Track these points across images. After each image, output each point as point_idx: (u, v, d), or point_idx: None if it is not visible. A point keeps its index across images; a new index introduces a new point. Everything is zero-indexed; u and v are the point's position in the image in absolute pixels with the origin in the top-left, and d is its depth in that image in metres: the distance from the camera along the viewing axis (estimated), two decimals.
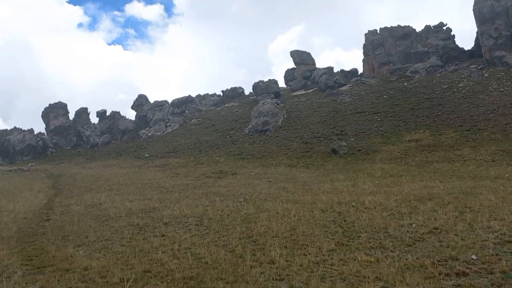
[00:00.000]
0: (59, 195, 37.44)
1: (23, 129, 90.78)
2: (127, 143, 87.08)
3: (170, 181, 40.54)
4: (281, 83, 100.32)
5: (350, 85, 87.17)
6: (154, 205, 26.34)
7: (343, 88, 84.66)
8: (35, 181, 49.41)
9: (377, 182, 32.37)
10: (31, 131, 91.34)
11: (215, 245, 14.89)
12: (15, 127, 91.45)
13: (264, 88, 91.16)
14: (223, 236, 16.44)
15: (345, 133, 58.88)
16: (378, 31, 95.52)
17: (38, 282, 10.92)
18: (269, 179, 37.73)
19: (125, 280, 10.48)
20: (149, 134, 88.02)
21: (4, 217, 25.43)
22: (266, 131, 68.28)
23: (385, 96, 72.79)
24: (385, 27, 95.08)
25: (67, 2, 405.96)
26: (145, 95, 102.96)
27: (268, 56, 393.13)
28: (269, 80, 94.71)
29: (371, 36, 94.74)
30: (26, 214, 26.57)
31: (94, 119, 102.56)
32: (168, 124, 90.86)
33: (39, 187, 43.41)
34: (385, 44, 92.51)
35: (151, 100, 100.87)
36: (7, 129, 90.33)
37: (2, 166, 72.39)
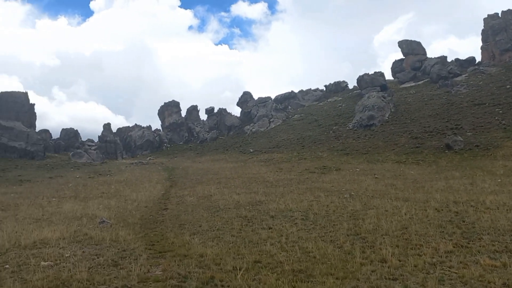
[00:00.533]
0: (174, 186, 40.45)
1: (142, 126, 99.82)
2: (233, 138, 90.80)
3: (274, 176, 41.27)
4: (388, 76, 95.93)
5: (466, 75, 79.97)
6: (260, 199, 27.05)
7: (458, 79, 78.02)
8: (153, 173, 54.03)
9: (499, 180, 29.28)
10: (149, 127, 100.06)
11: (322, 240, 14.79)
12: (135, 124, 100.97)
13: (369, 81, 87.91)
14: (329, 232, 16.27)
15: (461, 127, 54.21)
16: (499, 15, 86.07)
17: (160, 265, 11.90)
18: (376, 176, 36.37)
19: (238, 268, 10.93)
20: (253, 129, 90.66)
21: (128, 205, 28.25)
22: (372, 125, 65.87)
23: (508, 86, 65.42)
24: (508, 10, 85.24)
25: (179, 6, 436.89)
26: (249, 92, 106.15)
27: (373, 48, 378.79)
28: (375, 72, 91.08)
29: (491, 20, 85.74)
30: (147, 203, 29.20)
31: (203, 116, 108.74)
32: (271, 120, 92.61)
33: (156, 179, 47.39)
34: (508, 29, 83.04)
35: (255, 97, 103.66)
36: (129, 126, 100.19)
37: (125, 159, 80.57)
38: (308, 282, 10.13)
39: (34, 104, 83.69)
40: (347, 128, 69.56)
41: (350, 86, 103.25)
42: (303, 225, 17.93)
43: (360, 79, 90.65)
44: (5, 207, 29.66)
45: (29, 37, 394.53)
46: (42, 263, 11.53)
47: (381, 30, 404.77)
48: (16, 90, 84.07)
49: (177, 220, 21.49)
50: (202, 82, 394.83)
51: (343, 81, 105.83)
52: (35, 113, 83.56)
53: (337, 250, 13.25)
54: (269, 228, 17.51)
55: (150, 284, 9.86)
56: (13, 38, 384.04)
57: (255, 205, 24.51)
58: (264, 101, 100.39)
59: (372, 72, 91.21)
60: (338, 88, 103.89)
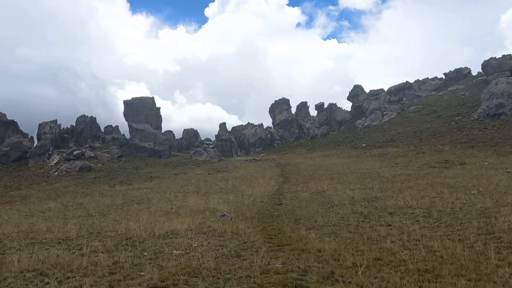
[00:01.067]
0: (287, 182, 41.13)
1: (254, 124, 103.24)
2: (344, 133, 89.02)
3: (389, 171, 39.49)
4: None
5: None
6: (376, 195, 26.15)
7: None
8: (266, 170, 55.59)
9: None
10: (261, 125, 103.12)
11: (449, 239, 13.76)
12: (248, 122, 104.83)
13: (497, 66, 78.97)
14: (457, 230, 15.06)
15: None
16: None
17: (279, 258, 12.24)
18: (508, 170, 32.63)
19: (358, 265, 10.73)
20: (365, 124, 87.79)
21: (245, 200, 29.51)
22: (501, 115, 59.15)
23: None
24: None
25: (287, 5, 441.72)
26: (360, 85, 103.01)
27: (499, 29, 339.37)
28: (503, 56, 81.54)
29: None
30: (262, 198, 30.19)
31: (312, 112, 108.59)
32: (384, 113, 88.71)
33: (270, 175, 48.68)
34: None
35: (366, 90, 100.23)
36: (242, 125, 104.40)
37: (240, 157, 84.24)
38: (436, 282, 9.52)
39: (159, 108, 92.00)
40: (472, 118, 63.51)
41: (474, 73, 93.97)
42: (426, 222, 16.88)
43: (486, 64, 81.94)
44: (139, 201, 33.19)
45: (153, 46, 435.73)
46: (174, 251, 12.67)
47: (508, 8, 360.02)
48: (145, 95, 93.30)
49: (292, 215, 21.83)
50: (311, 78, 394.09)
51: (465, 68, 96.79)
52: (160, 115, 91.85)
53: (467, 250, 12.21)
54: (388, 225, 16.84)
55: (271, 276, 10.19)
56: (140, 49, 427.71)
57: (371, 201, 23.76)
58: (376, 93, 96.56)
59: (500, 56, 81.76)
60: (459, 75, 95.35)
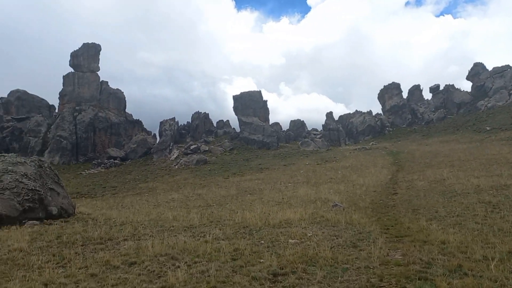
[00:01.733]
0: (401, 170, 39.16)
1: (362, 111, 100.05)
2: (464, 116, 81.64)
3: None
4: None
5: None
6: (505, 182, 23.61)
7: None
8: (377, 158, 53.56)
9: None
10: (369, 112, 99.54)
11: None
12: (356, 110, 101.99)
13: None
14: None
15: None
16: None
17: (399, 250, 11.73)
18: None
19: (489, 258, 9.81)
20: (489, 105, 79.42)
21: (357, 190, 28.84)
22: None
23: None
24: None
25: None
26: (481, 63, 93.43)
27: None
28: None
29: None
30: (375, 188, 29.21)
31: (426, 95, 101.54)
32: (511, 91, 79.25)
33: (381, 163, 46.82)
34: None
35: (489, 68, 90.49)
36: (350, 113, 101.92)
37: (348, 146, 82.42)
38: None
39: (266, 101, 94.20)
40: None
41: None
42: None
43: None
44: (252, 192, 34.46)
45: (258, 41, 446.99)
46: (290, 240, 12.92)
47: None
48: (252, 89, 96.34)
49: (409, 205, 20.75)
50: (423, 60, 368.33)
51: None
52: (268, 108, 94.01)
53: None
54: None
55: (391, 267, 9.83)
56: (246, 44, 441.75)
57: (500, 190, 21.51)
58: (501, 71, 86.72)
59: None
60: None
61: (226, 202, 28.52)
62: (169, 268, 9.87)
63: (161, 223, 17.70)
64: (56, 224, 19.09)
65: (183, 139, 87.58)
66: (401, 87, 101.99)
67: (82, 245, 13.01)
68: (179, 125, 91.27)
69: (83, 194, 46.87)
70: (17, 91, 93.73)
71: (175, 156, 76.29)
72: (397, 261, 10.41)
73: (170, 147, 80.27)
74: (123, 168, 72.09)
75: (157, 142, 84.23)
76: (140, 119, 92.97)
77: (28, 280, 9.12)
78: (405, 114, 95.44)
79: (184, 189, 43.35)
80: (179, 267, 9.85)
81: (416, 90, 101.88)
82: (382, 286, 8.52)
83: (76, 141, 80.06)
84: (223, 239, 13.25)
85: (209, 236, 13.57)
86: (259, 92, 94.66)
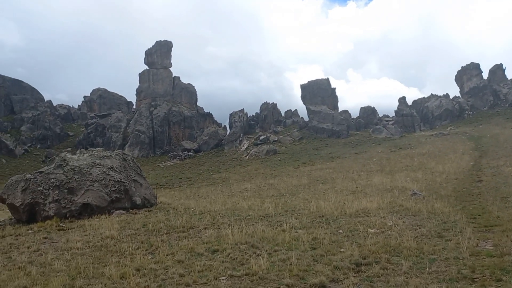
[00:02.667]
0: (484, 156, 36.60)
1: (438, 95, 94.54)
2: None
3: None
4: None
5: None
6: None
7: None
8: (457, 144, 50.46)
9: None
10: (446, 96, 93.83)
11: None
12: (431, 94, 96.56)
13: None
14: None
15: None
16: None
17: (489, 240, 10.99)
18: None
19: None
20: None
21: (437, 178, 27.41)
22: None
23: None
24: None
25: None
26: None
27: None
28: None
29: None
30: (456, 175, 27.58)
31: (509, 75, 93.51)
32: None
33: (462, 149, 44.05)
34: None
35: None
36: (424, 97, 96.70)
37: (424, 131, 78.45)
38: None
39: (335, 88, 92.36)
40: None
41: None
42: None
43: None
44: (324, 181, 34.12)
45: (324, 28, 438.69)
46: (369, 230, 12.62)
47: None
48: (319, 78, 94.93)
49: (497, 192, 19.35)
50: (505, 37, 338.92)
51: None
52: (336, 96, 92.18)
53: None
54: None
55: (483, 258, 9.24)
56: (311, 32, 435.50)
57: None
58: None
59: None
60: None
61: (298, 191, 28.52)
62: (251, 256, 10.09)
63: (237, 212, 18.13)
64: (141, 213, 20.31)
65: (253, 130, 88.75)
66: (481, 67, 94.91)
67: (166, 233, 13.72)
68: (248, 116, 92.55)
69: (161, 185, 49.35)
70: (99, 89, 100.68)
71: (245, 147, 77.61)
72: (489, 251, 9.76)
73: (240, 138, 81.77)
74: (196, 159, 74.77)
75: (227, 133, 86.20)
76: (210, 112, 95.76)
77: (121, 266, 9.80)
78: (486, 96, 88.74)
79: (256, 179, 43.99)
80: (260, 255, 10.03)
81: (498, 69, 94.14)
82: (475, 278, 8.03)
83: (153, 135, 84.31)
84: (300, 228, 13.27)
85: (286, 225, 13.66)
86: (327, 80, 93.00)
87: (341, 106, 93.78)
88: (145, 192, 24.22)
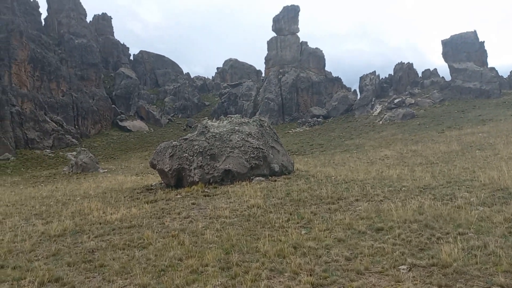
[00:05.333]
0: None
1: None
2: None
3: None
4: None
5: None
6: None
7: None
8: None
9: None
10: None
11: None
12: None
13: None
14: None
15: None
16: None
17: None
18: None
19: None
20: None
21: None
22: None
23: None
24: None
25: None
26: None
27: None
28: None
29: None
30: None
31: None
32: None
33: None
34: None
35: None
36: None
37: None
38: None
39: (483, 42, 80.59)
40: None
41: None
42: None
43: None
44: (480, 147, 29.61)
45: None
46: None
47: None
48: (464, 31, 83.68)
49: None
50: None
51: None
52: (485, 50, 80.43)
53: None
54: None
55: None
56: None
57: None
58: None
59: None
60: None
61: (451, 159, 24.99)
62: (430, 239, 8.24)
63: (387, 183, 16.13)
64: (280, 181, 19.61)
65: (385, 93, 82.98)
66: None
67: (314, 204, 12.52)
68: (380, 78, 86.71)
69: (293, 152, 48.99)
70: (230, 60, 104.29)
71: (378, 112, 73.01)
72: None
73: (372, 102, 77.12)
74: (326, 125, 72.92)
75: (358, 98, 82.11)
76: (339, 76, 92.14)
77: (274, 241, 8.86)
78: None
79: (395, 145, 40.58)
80: (442, 239, 8.12)
81: None
82: None
83: (282, 102, 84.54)
84: (479, 205, 10.83)
85: (460, 201, 11.29)
86: (474, 33, 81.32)
87: (492, 63, 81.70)
88: (283, 158, 23.53)
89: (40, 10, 76.16)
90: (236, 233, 9.70)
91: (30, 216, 15.12)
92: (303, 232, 9.48)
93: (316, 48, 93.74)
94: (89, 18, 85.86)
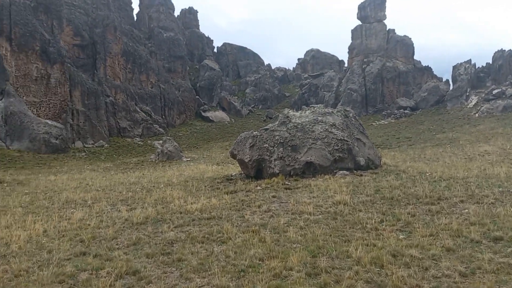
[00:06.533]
0: None
1: None
2: None
3: None
4: None
5: None
6: None
7: None
8: None
9: None
10: None
11: None
12: None
13: None
14: None
15: None
16: None
17: None
18: None
19: None
20: None
21: None
22: None
23: None
24: None
25: None
26: None
27: None
28: None
29: None
30: None
31: None
32: None
33: None
34: None
35: None
36: None
37: None
38: None
39: None
40: None
41: None
42: None
43: None
44: None
45: None
46: None
47: None
48: None
49: None
50: None
51: None
52: None
53: None
54: None
55: None
56: None
57: None
58: None
59: None
60: None
61: None
62: None
63: (494, 182, 14.05)
64: (367, 175, 18.21)
65: (482, 84, 75.63)
66: None
67: (410, 204, 11.08)
68: (476, 67, 79.28)
69: (377, 145, 46.38)
70: (311, 50, 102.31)
71: (473, 103, 66.82)
72: None
73: (467, 93, 70.75)
74: (414, 118, 68.42)
75: (450, 88, 75.89)
76: (429, 65, 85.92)
77: (368, 245, 7.75)
78: None
79: (495, 140, 36.52)
80: None
81: None
82: None
83: (365, 92, 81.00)
84: None
85: None
86: None
87: None
88: (369, 152, 21.95)
89: (133, 5, 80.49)
90: (322, 232, 8.73)
91: (117, 201, 15.46)
92: (401, 236, 8.24)
93: (405, 36, 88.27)
94: (176, 12, 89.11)
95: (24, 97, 47.73)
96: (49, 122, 46.80)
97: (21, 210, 14.29)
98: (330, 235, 8.53)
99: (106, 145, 53.49)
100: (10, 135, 44.25)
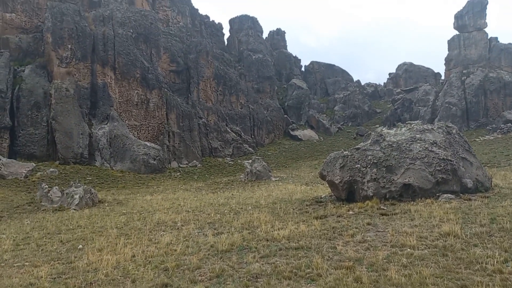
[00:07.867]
0: None
1: None
2: None
3: None
4: None
5: None
6: None
7: None
8: None
9: None
10: None
11: None
12: None
13: None
14: None
15: None
16: None
17: None
18: None
19: None
20: None
21: None
22: None
23: None
24: None
25: None
26: None
27: None
28: None
29: None
30: None
31: None
32: None
33: None
34: None
35: None
36: None
37: None
38: None
39: None
40: None
41: None
42: None
43: None
44: None
45: None
46: None
47: None
48: None
49: None
50: None
51: None
52: None
53: None
54: None
55: None
56: None
57: None
58: None
59: None
60: None
61: None
62: None
63: None
64: (476, 200, 16.06)
65: None
66: None
67: None
68: None
69: (484, 163, 41.84)
70: (404, 64, 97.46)
71: None
72: None
73: None
74: None
75: None
76: None
77: None
78: None
79: None
80: None
81: None
82: None
83: (466, 106, 74.57)
84: None
85: None
86: None
87: None
88: (477, 172, 19.51)
89: (224, 31, 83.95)
90: (430, 273, 7.42)
91: (204, 224, 15.32)
92: None
93: (509, 44, 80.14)
94: (265, 35, 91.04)
95: (126, 121, 51.49)
96: (148, 144, 49.80)
97: (116, 231, 14.74)
98: (442, 278, 7.19)
99: (199, 164, 55.41)
100: (114, 157, 47.80)
